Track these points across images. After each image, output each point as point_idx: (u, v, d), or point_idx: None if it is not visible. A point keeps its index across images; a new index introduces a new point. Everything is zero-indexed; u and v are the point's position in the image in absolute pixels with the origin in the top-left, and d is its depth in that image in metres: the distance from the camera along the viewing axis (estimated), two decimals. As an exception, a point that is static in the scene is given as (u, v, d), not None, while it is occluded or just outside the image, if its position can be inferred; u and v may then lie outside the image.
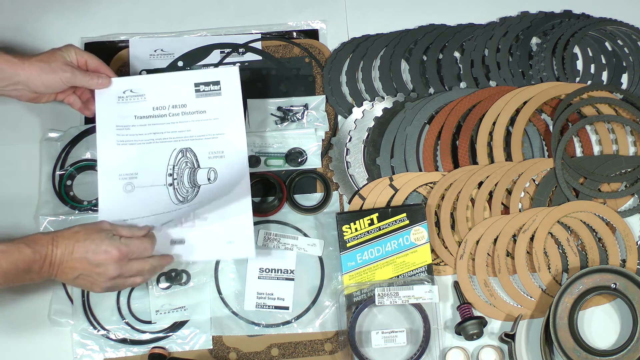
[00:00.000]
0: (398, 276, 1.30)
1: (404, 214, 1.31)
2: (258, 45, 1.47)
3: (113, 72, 1.33)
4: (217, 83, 1.31)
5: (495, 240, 1.33)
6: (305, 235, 1.35)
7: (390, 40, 1.48)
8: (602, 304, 1.31)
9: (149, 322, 1.31)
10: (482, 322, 1.27)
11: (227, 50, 1.46)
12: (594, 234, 1.34)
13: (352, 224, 1.31)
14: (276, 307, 1.31)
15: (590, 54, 1.47)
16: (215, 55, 1.46)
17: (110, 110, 1.30)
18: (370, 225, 1.31)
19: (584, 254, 1.33)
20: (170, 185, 1.27)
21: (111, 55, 1.45)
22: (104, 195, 1.27)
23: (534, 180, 1.37)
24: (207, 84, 1.31)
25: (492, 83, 1.45)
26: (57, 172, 1.38)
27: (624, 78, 1.46)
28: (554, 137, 1.38)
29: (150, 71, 1.44)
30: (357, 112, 1.42)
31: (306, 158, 1.40)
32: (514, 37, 1.48)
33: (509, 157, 1.38)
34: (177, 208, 1.27)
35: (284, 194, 1.36)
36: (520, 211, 1.35)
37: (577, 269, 1.31)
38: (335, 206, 1.37)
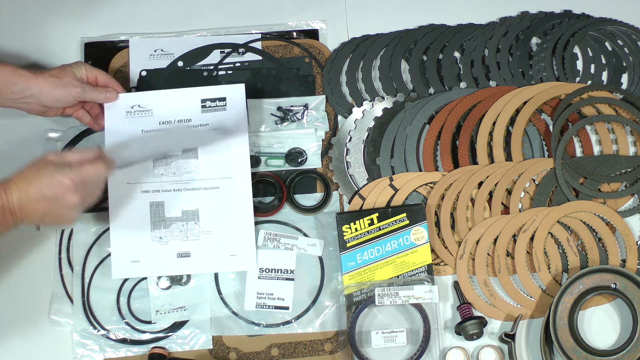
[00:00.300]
0: (398, 276, 1.30)
1: (404, 214, 1.31)
2: (258, 45, 1.47)
3: (122, 87, 1.36)
4: (223, 99, 1.34)
5: (495, 240, 1.33)
6: (305, 235, 1.35)
7: (390, 40, 1.48)
8: (602, 304, 1.31)
9: (149, 322, 1.31)
10: (482, 322, 1.27)
11: (227, 50, 1.46)
12: (594, 234, 1.34)
13: (352, 224, 1.31)
14: (276, 307, 1.31)
15: (590, 54, 1.47)
16: (215, 55, 1.46)
17: (118, 124, 1.34)
18: (370, 225, 1.31)
19: (584, 254, 1.33)
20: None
21: (111, 55, 1.46)
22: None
23: (534, 180, 1.37)
24: (213, 99, 1.34)
25: (492, 83, 1.45)
26: (57, 172, 1.38)
27: (624, 78, 1.46)
28: (554, 137, 1.38)
29: (150, 71, 1.44)
30: (357, 112, 1.42)
31: (306, 158, 1.40)
32: (514, 37, 1.48)
33: (509, 157, 1.38)
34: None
35: (284, 194, 1.36)
36: (520, 211, 1.35)
37: (577, 269, 1.31)
38: (335, 206, 1.37)
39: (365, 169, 1.39)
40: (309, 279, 1.33)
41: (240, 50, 1.47)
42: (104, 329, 1.30)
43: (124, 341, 1.30)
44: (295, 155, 1.39)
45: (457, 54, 1.47)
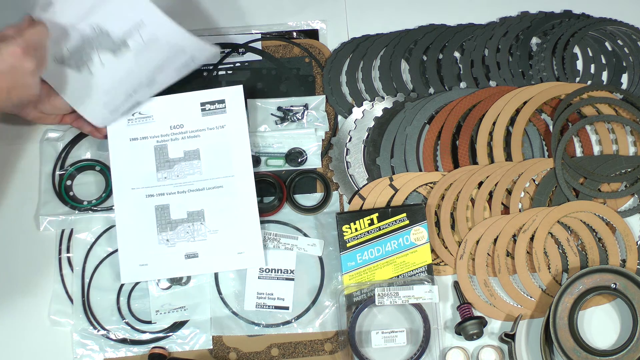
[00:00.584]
0: (398, 276, 1.30)
1: (404, 214, 1.31)
2: (258, 45, 1.47)
3: None
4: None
5: (495, 240, 1.33)
6: (305, 235, 1.35)
7: (390, 40, 1.48)
8: (602, 304, 1.31)
9: (149, 322, 1.31)
10: (482, 322, 1.27)
11: (227, 50, 1.46)
12: (594, 234, 1.34)
13: (352, 224, 1.31)
14: (276, 307, 1.31)
15: (590, 54, 1.47)
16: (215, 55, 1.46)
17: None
18: (370, 225, 1.31)
19: (584, 254, 1.33)
20: None
21: (111, 55, 1.46)
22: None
23: (534, 180, 1.37)
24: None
25: (492, 83, 1.45)
26: (57, 172, 1.38)
27: (624, 78, 1.46)
28: (554, 137, 1.38)
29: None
30: (357, 112, 1.42)
31: (306, 158, 1.40)
32: (514, 37, 1.48)
33: (509, 157, 1.38)
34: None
35: (284, 194, 1.36)
36: (520, 211, 1.35)
37: (577, 269, 1.31)
38: (335, 206, 1.37)
39: (365, 169, 1.39)
40: (309, 279, 1.33)
41: (240, 50, 1.47)
42: (104, 329, 1.30)
43: (124, 341, 1.30)
44: (295, 155, 1.39)
45: (457, 54, 1.47)
